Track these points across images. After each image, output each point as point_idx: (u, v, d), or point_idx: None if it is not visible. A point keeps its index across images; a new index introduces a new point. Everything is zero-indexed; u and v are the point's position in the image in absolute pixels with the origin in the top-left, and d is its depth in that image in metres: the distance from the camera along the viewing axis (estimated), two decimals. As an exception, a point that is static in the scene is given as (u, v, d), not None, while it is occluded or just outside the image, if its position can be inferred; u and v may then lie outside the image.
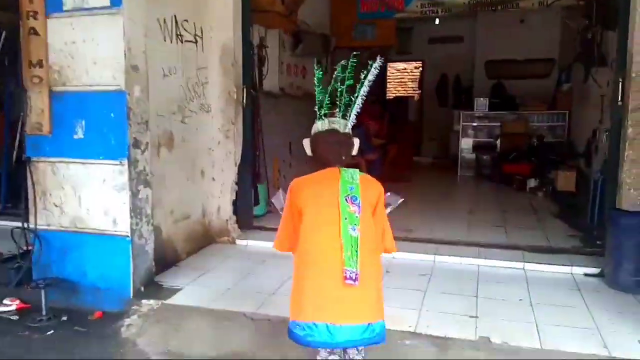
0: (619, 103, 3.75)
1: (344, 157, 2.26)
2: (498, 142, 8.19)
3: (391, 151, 7.92)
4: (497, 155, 8.04)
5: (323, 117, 2.28)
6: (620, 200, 3.70)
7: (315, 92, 2.27)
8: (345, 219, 2.08)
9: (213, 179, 4.66)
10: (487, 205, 6.38)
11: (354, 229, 2.07)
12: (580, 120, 7.37)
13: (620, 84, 3.72)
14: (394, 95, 12.84)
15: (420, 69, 12.57)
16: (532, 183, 6.83)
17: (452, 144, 10.01)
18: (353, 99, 2.27)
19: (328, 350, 2.24)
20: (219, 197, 4.68)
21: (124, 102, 3.39)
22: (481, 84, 10.36)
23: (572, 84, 8.23)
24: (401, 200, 2.50)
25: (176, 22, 4.06)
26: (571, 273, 3.82)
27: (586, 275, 3.78)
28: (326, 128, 2.26)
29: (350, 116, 2.29)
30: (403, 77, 13.43)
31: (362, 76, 2.28)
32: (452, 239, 4.52)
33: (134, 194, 3.48)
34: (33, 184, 3.64)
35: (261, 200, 5.29)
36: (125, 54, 3.37)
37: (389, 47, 9.16)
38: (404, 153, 9.12)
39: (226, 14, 4.51)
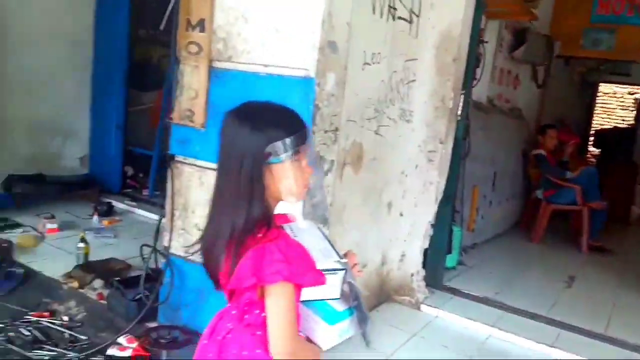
0: None
1: None
2: None
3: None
4: None
5: None
6: None
7: None
8: None
9: (401, 214, 3.35)
10: None
11: None
12: None
13: None
14: (603, 124, 10.52)
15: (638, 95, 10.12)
16: None
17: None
18: None
19: None
20: (405, 240, 3.36)
21: (310, 96, 2.22)
22: None
23: None
24: None
25: (391, -13, 2.83)
26: None
27: None
28: None
29: None
30: (611, 103, 11.00)
31: None
32: None
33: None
34: (173, 194, 2.67)
35: (454, 248, 3.87)
36: (322, 24, 2.20)
37: (628, 62, 7.13)
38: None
39: (457, -14, 3.19)
